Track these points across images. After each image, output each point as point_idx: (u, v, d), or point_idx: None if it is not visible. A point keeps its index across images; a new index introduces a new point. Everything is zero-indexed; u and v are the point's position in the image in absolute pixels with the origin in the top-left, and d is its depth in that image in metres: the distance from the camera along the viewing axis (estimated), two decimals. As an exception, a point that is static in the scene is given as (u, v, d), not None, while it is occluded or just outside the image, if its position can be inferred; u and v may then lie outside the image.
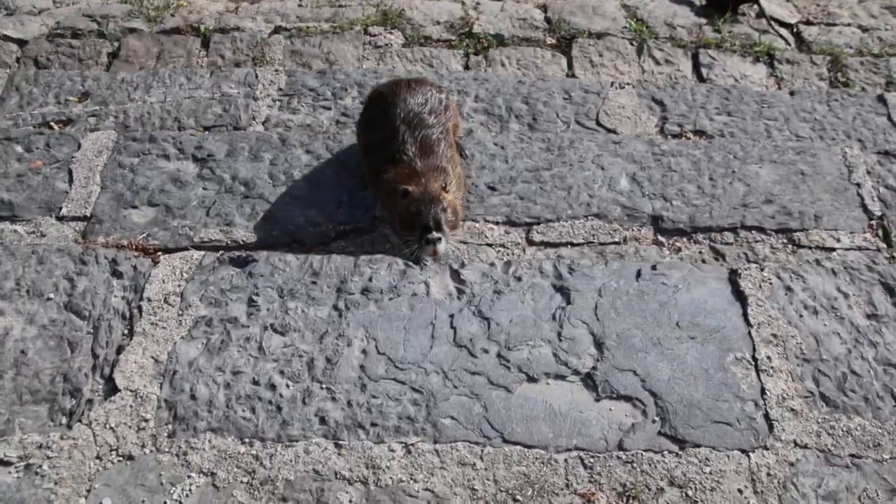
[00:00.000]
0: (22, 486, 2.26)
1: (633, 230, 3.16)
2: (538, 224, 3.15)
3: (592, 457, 2.33)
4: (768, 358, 2.57)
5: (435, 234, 2.80)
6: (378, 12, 4.85)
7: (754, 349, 2.59)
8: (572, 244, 3.10)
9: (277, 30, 4.70)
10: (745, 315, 2.68)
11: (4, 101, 3.95)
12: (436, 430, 2.38)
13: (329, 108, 3.91)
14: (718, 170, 3.40)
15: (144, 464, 2.32)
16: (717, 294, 2.74)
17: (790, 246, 3.12)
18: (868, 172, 3.42)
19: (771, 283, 2.78)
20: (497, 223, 3.16)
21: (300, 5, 5.10)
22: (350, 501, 2.24)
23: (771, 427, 2.41)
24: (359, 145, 3.39)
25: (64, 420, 2.42)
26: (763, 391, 2.49)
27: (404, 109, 3.15)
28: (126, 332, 2.63)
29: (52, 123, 3.86)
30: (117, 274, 2.79)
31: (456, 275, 2.77)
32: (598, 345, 2.58)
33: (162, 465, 2.32)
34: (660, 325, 2.64)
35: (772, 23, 4.83)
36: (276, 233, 3.09)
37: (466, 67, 4.44)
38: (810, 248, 3.11)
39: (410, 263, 2.81)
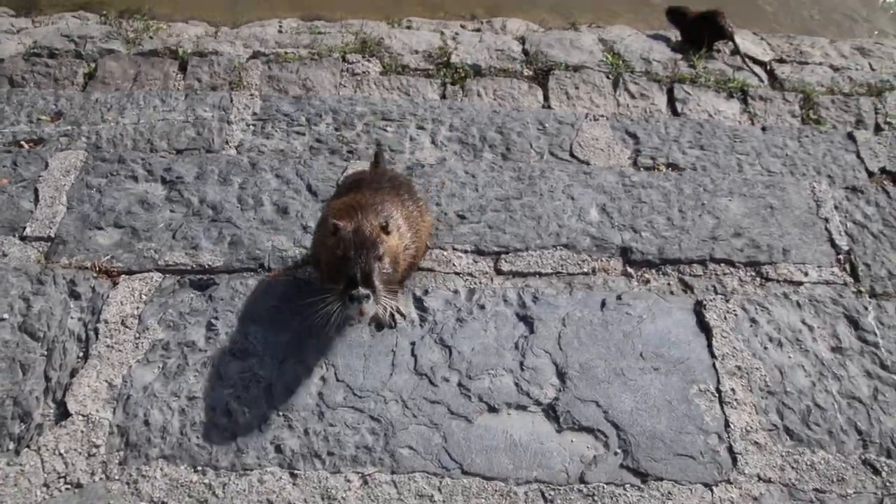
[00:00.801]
0: (-36, 513, 2.19)
1: (601, 261, 3.15)
2: (507, 253, 3.14)
3: (553, 489, 2.29)
4: (732, 390, 2.55)
5: (362, 291, 2.22)
6: (357, 40, 4.87)
7: (718, 381, 2.57)
8: (541, 274, 3.08)
9: (256, 55, 4.70)
10: (709, 346, 2.67)
11: (-26, 120, 3.91)
12: (394, 461, 2.33)
13: (303, 134, 3.89)
14: (688, 202, 3.41)
15: (93, 492, 2.26)
16: (681, 325, 2.72)
17: (758, 279, 3.12)
18: (836, 207, 3.44)
19: (736, 315, 2.77)
20: (465, 252, 3.14)
21: (280, 31, 5.11)
22: (303, 533, 2.18)
23: (735, 460, 2.39)
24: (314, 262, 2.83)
25: (11, 446, 2.35)
26: (727, 424, 2.47)
27: (373, 180, 2.80)
28: (81, 354, 2.58)
29: (22, 142, 3.81)
30: (75, 295, 2.73)
31: (419, 302, 2.74)
32: (561, 375, 2.55)
33: (111, 494, 2.25)
34: (623, 355, 2.61)
35: (746, 60, 4.89)
36: (243, 257, 3.05)
37: (443, 97, 4.45)
38: (778, 281, 3.11)
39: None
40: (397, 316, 2.63)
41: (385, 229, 2.41)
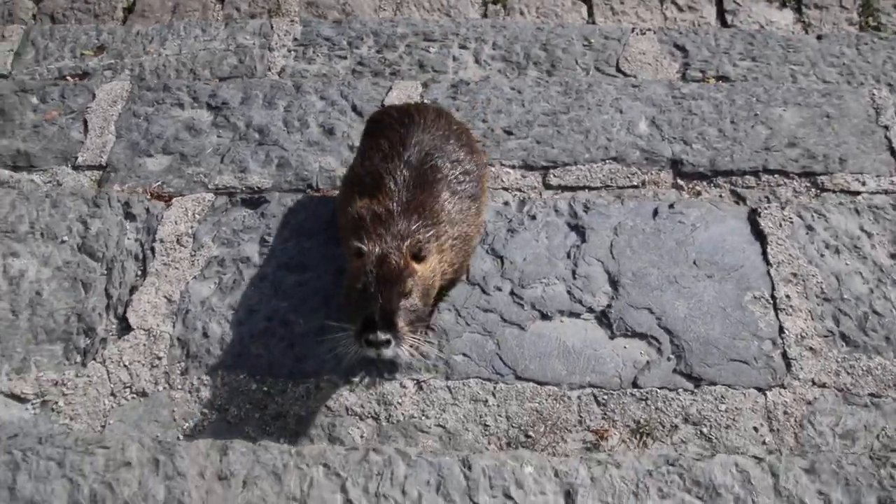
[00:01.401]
0: (39, 421, 2.29)
1: (651, 174, 3.09)
2: (555, 168, 3.10)
3: (606, 394, 2.31)
4: (787, 297, 2.52)
5: (380, 336, 1.96)
6: (394, -37, 4.77)
7: (773, 288, 2.54)
8: (590, 188, 3.04)
9: (293, -18, 4.64)
10: (764, 254, 2.62)
11: (21, 56, 3.95)
12: (448, 367, 2.36)
13: (345, 58, 3.86)
14: (740, 113, 3.31)
15: (158, 400, 2.34)
16: (736, 233, 2.68)
17: (813, 189, 3.04)
18: (897, 115, 3.31)
19: (791, 223, 2.71)
20: (513, 167, 3.11)
21: (316, -43, 5.03)
22: (361, 436, 2.24)
23: (789, 366, 2.37)
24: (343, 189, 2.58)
25: (78, 358, 2.44)
26: (781, 330, 2.44)
27: (422, 134, 2.42)
28: (139, 272, 2.64)
29: (68, 76, 3.85)
30: (130, 216, 2.79)
31: (469, 215, 2.74)
32: (613, 283, 2.54)
33: (175, 402, 2.33)
34: (676, 263, 2.58)
35: (800, -32, 4.68)
36: (291, 178, 3.06)
37: (484, 15, 4.36)
38: (834, 191, 3.02)
39: None
40: (416, 355, 2.28)
41: (418, 256, 2.11)
